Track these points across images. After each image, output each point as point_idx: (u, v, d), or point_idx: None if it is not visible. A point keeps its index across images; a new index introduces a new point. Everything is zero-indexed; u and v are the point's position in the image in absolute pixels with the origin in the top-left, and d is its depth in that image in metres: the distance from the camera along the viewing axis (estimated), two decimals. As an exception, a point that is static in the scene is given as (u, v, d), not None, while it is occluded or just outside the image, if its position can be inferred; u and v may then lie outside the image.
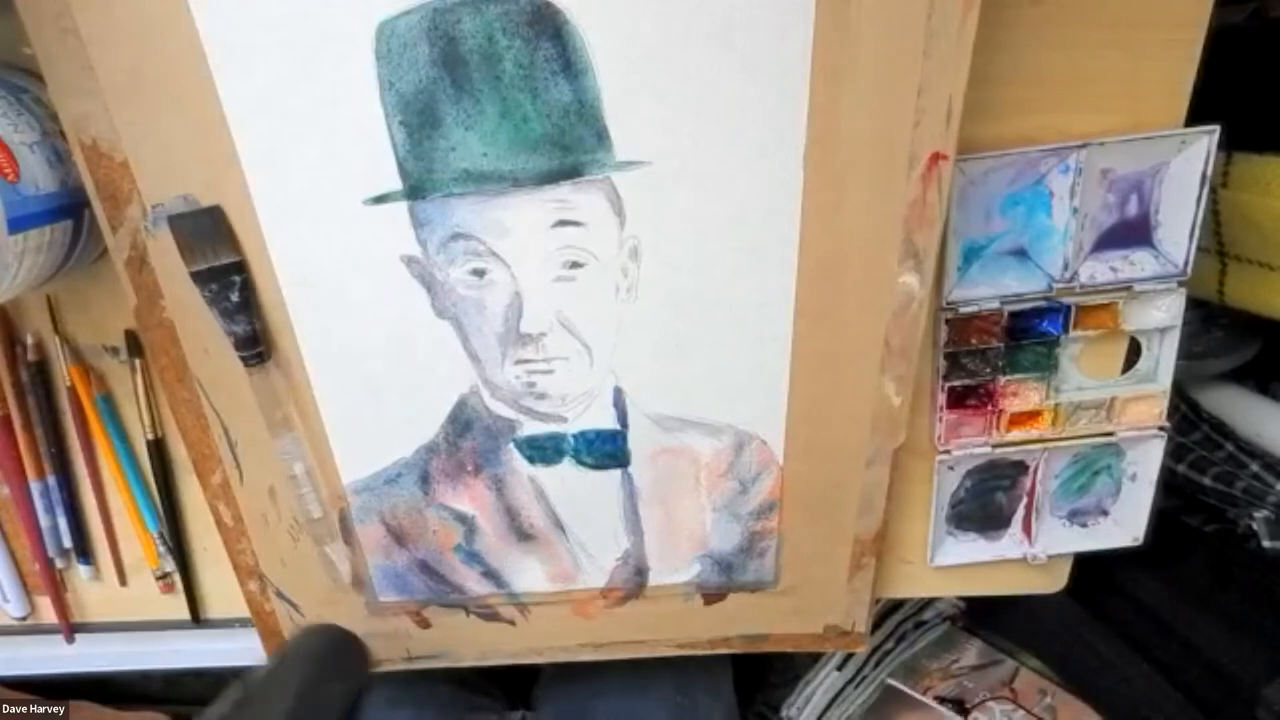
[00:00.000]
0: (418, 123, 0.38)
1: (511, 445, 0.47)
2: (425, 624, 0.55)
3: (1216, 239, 0.48)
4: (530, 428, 0.47)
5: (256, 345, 0.44)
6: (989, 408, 0.48)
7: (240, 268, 0.42)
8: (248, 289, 0.43)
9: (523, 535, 0.50)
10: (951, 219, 0.42)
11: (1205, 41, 0.39)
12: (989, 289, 0.45)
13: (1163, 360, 0.47)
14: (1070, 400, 0.48)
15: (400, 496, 0.49)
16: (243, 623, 0.57)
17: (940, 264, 0.43)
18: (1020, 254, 0.44)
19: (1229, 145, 0.44)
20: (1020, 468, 0.50)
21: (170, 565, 0.56)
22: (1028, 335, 0.46)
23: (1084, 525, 0.52)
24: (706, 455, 0.47)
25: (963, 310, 0.45)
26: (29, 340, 0.50)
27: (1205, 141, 0.41)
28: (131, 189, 0.41)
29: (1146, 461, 0.49)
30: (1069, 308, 0.45)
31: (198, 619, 0.58)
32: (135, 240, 0.42)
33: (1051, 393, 0.47)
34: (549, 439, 0.47)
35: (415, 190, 0.40)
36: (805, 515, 0.49)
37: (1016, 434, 0.49)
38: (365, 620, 0.54)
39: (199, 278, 0.42)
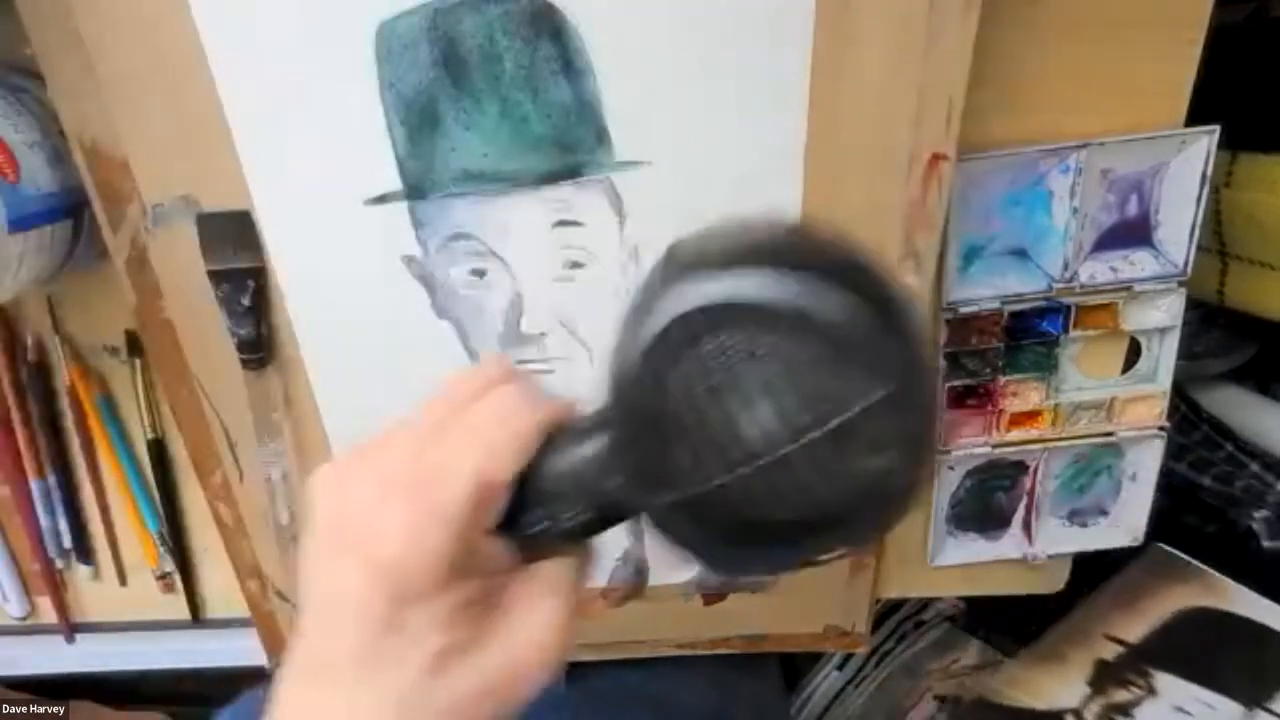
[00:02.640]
0: (418, 123, 0.38)
1: (511, 445, 0.47)
2: (425, 624, 0.55)
3: (1218, 239, 0.48)
4: (530, 428, 0.46)
5: (260, 350, 0.44)
6: (989, 408, 0.48)
7: (258, 273, 0.42)
8: (260, 294, 0.43)
9: (523, 535, 0.50)
10: (951, 219, 0.42)
11: (1205, 41, 0.39)
12: (989, 289, 0.45)
13: (1163, 360, 0.47)
14: (1070, 400, 0.48)
15: (400, 496, 0.49)
16: (243, 623, 0.57)
17: (940, 264, 0.43)
18: (1020, 254, 0.44)
19: (1233, 145, 0.44)
20: (1020, 468, 0.50)
21: (170, 565, 0.56)
22: (1028, 335, 0.46)
23: (1084, 525, 0.52)
24: (706, 455, 0.47)
25: (963, 310, 0.45)
26: (29, 340, 0.50)
27: (1205, 141, 0.41)
28: (131, 189, 0.41)
29: (1146, 461, 0.49)
30: (1069, 308, 0.45)
31: (198, 619, 0.58)
32: (135, 240, 0.42)
33: (1051, 393, 0.47)
34: (549, 439, 0.47)
35: (415, 190, 0.40)
36: (805, 515, 0.49)
37: (1016, 434, 0.49)
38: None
39: (215, 276, 0.42)
